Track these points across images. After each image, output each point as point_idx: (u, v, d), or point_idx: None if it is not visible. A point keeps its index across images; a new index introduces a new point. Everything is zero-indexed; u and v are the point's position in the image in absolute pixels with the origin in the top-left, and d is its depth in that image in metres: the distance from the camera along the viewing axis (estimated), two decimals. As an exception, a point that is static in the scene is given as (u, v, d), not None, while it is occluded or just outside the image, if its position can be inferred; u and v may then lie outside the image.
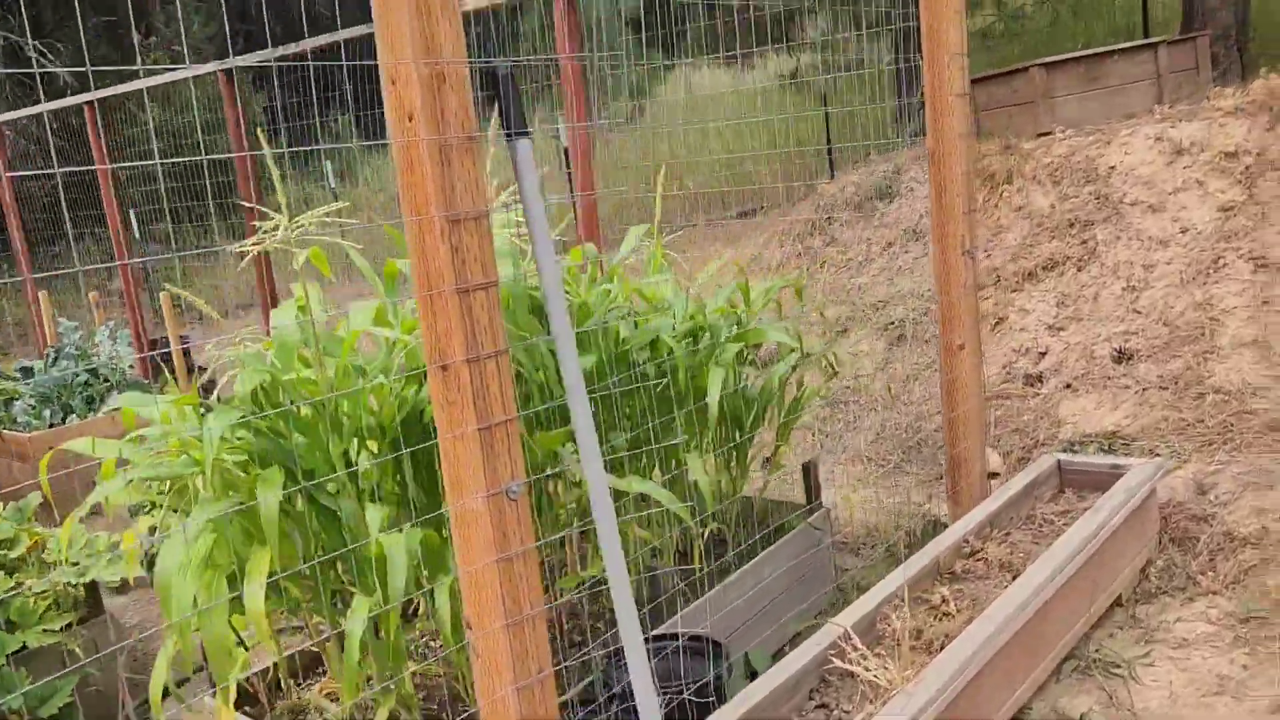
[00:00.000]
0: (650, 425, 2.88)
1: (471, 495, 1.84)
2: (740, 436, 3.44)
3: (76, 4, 15.73)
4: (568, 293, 2.88)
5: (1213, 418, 3.99)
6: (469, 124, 1.76)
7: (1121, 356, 4.49)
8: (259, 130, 2.78)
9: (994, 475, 4.41)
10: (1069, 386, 4.54)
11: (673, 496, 2.54)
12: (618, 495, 2.61)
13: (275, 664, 2.64)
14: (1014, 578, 2.92)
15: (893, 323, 5.39)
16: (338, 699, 2.57)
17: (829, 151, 8.78)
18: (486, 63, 1.79)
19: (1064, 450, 4.18)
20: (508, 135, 1.82)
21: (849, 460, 4.83)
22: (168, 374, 3.11)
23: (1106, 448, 4.14)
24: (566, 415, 2.08)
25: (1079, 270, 4.90)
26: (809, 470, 3.64)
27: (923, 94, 3.50)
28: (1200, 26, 7.55)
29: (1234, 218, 4.61)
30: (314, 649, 2.80)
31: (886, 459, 4.75)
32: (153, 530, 2.95)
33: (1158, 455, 3.94)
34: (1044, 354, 4.76)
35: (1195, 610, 3.08)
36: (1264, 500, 3.42)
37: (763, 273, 6.42)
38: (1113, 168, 5.10)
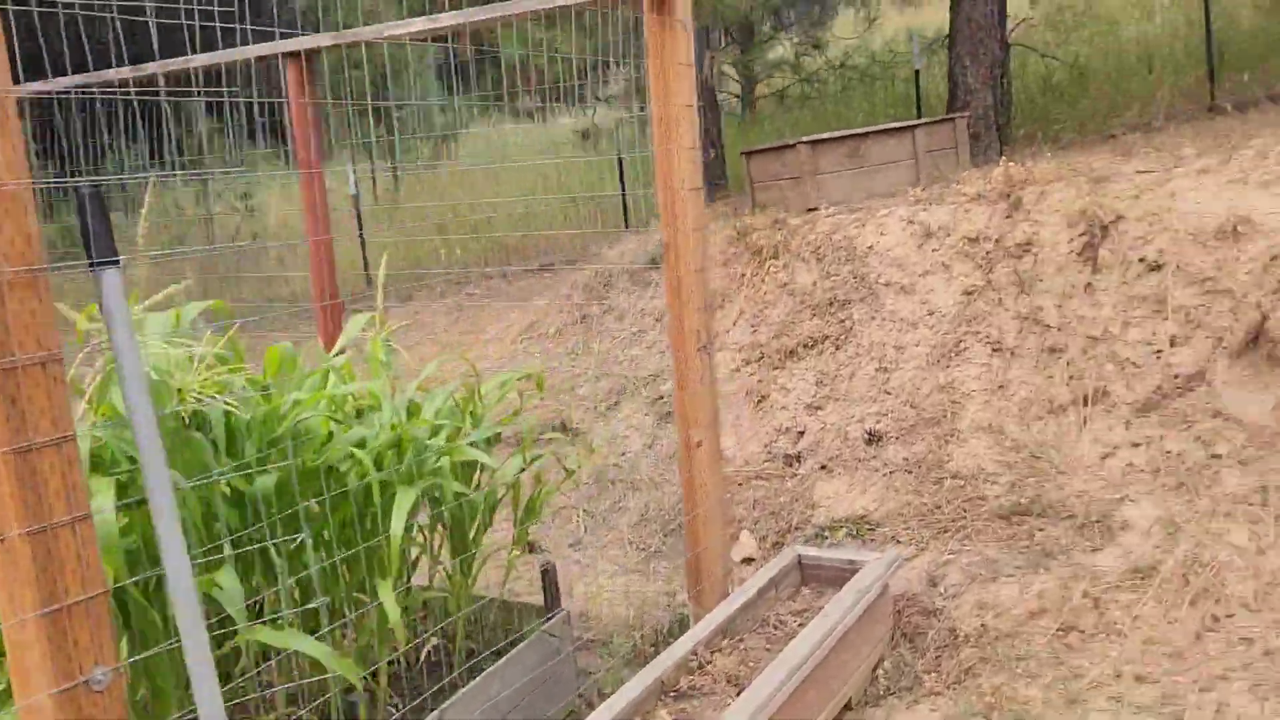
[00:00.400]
0: (338, 554, 2.63)
1: (40, 692, 1.55)
2: (468, 545, 3.23)
3: None
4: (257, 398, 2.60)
5: (949, 503, 4.08)
6: (30, 254, 1.50)
7: (873, 438, 4.56)
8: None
9: (749, 560, 4.37)
10: (824, 468, 4.57)
11: (331, 652, 2.28)
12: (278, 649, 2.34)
13: None
14: (739, 692, 2.82)
15: (661, 397, 5.33)
16: None
17: (624, 211, 8.79)
18: (60, 183, 1.53)
19: (812, 538, 4.18)
20: (90, 265, 1.57)
21: (612, 543, 4.70)
22: None
23: (855, 533, 4.16)
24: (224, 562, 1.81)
25: (837, 349, 4.98)
26: (547, 574, 3.46)
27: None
28: (962, 106, 7.98)
29: (974, 302, 4.78)
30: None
31: (648, 543, 4.64)
32: None
33: (899, 542, 3.98)
34: (802, 433, 4.79)
35: (919, 714, 3.06)
36: (986, 594, 3.48)
37: (540, 340, 6.27)
38: (870, 248, 5.23)
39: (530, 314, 6.60)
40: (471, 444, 3.06)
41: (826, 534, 4.21)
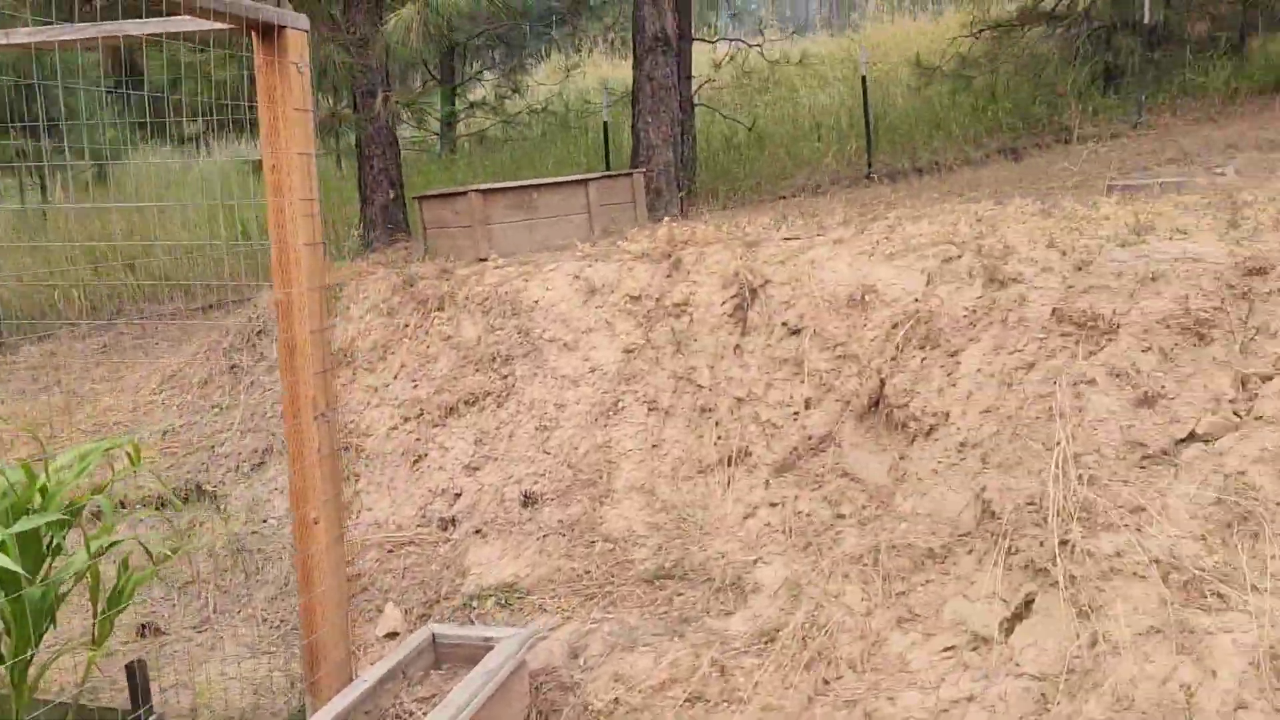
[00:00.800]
0: None
1: None
2: (28, 643, 2.75)
3: None
4: None
5: (599, 568, 4.02)
6: None
7: (529, 500, 4.44)
8: None
9: (393, 635, 4.09)
10: (479, 532, 4.39)
11: None
12: None
13: None
14: (341, 803, 2.56)
15: (313, 457, 4.94)
16: None
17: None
18: None
19: (459, 609, 3.98)
20: None
21: (246, 621, 4.26)
22: None
23: (503, 602, 4.00)
24: None
25: (499, 406, 4.83)
26: (133, 672, 3.02)
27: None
28: (644, 161, 8.20)
29: (634, 360, 4.81)
30: None
31: (287, 618, 4.25)
32: None
33: (546, 611, 3.87)
34: (459, 495, 4.59)
35: (544, 802, 2.93)
36: (623, 664, 3.43)
37: (184, 390, 5.67)
38: (536, 302, 5.15)
39: (176, 361, 5.98)
40: (28, 531, 2.60)
41: (475, 604, 4.02)
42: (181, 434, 5.27)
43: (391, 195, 7.41)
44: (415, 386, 5.05)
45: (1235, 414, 3.11)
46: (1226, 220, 4.17)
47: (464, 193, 5.74)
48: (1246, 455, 2.95)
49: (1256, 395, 3.12)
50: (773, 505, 4.11)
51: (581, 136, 11.95)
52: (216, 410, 5.36)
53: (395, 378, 5.14)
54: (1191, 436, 3.12)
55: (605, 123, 9.26)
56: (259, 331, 5.70)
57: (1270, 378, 3.14)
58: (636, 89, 8.34)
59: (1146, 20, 10.30)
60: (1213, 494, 2.88)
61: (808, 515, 3.98)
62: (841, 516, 3.92)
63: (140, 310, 8.86)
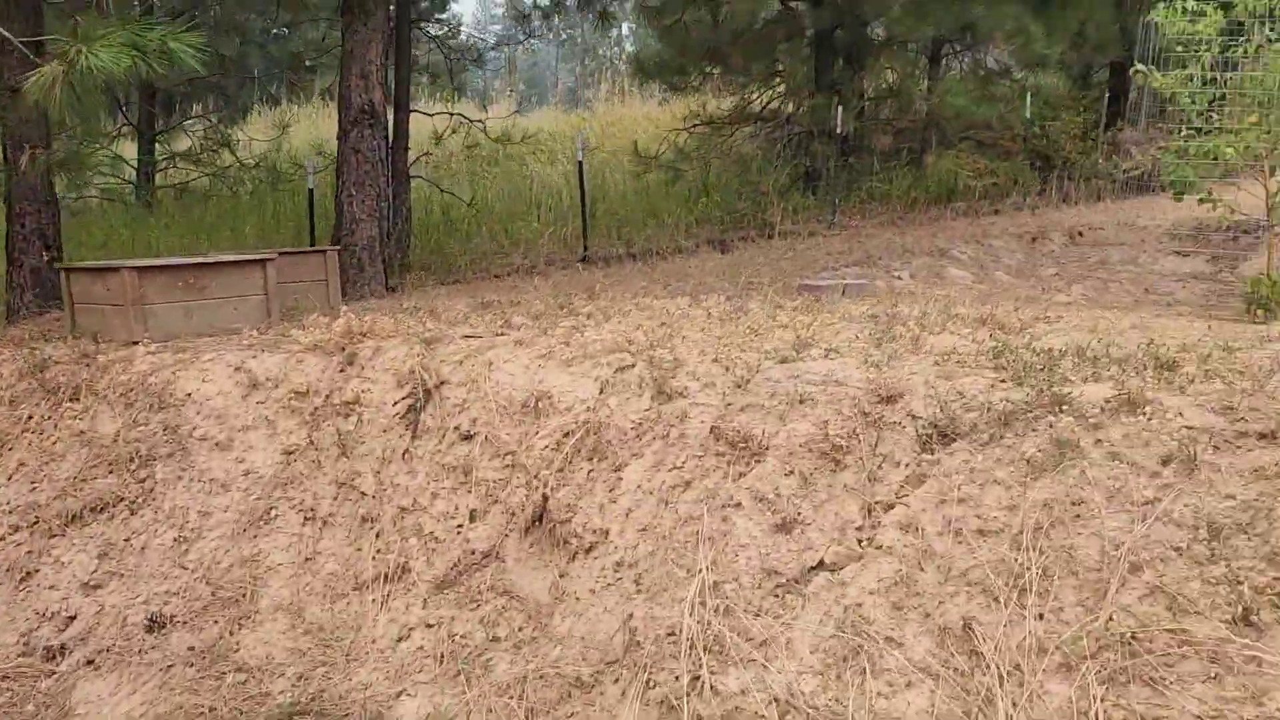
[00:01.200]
0: None
1: None
2: None
3: None
4: None
5: (228, 703, 3.61)
6: None
7: (156, 624, 3.95)
8: None
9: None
10: (91, 663, 3.85)
11: None
12: None
13: None
14: None
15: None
16: None
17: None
18: None
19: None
20: None
21: None
22: None
23: (109, 750, 3.50)
24: None
25: (132, 514, 4.31)
26: None
27: None
28: (347, 234, 7.85)
29: (294, 463, 4.46)
30: None
31: None
32: None
33: (156, 761, 3.41)
34: (73, 619, 4.02)
35: None
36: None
37: None
38: (189, 395, 4.68)
39: None
40: None
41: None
42: None
43: (45, 259, 6.62)
44: (33, 490, 4.42)
45: (859, 543, 3.22)
46: (876, 340, 4.42)
47: (117, 268, 5.18)
48: (865, 586, 3.04)
49: (879, 524, 3.25)
50: (429, 626, 3.88)
51: (289, 199, 11.37)
52: None
53: (10, 479, 4.48)
54: (820, 565, 3.20)
55: (311, 189, 8.82)
56: None
57: (892, 506, 3.29)
58: (341, 161, 8.00)
59: (839, 130, 11.18)
60: (832, 627, 2.95)
61: (463, 638, 3.77)
62: (497, 640, 3.74)
63: None
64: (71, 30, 4.71)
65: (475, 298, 6.98)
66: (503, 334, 4.96)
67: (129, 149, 13.06)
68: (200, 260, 5.43)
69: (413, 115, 9.93)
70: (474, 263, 9.56)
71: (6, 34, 5.01)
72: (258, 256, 5.66)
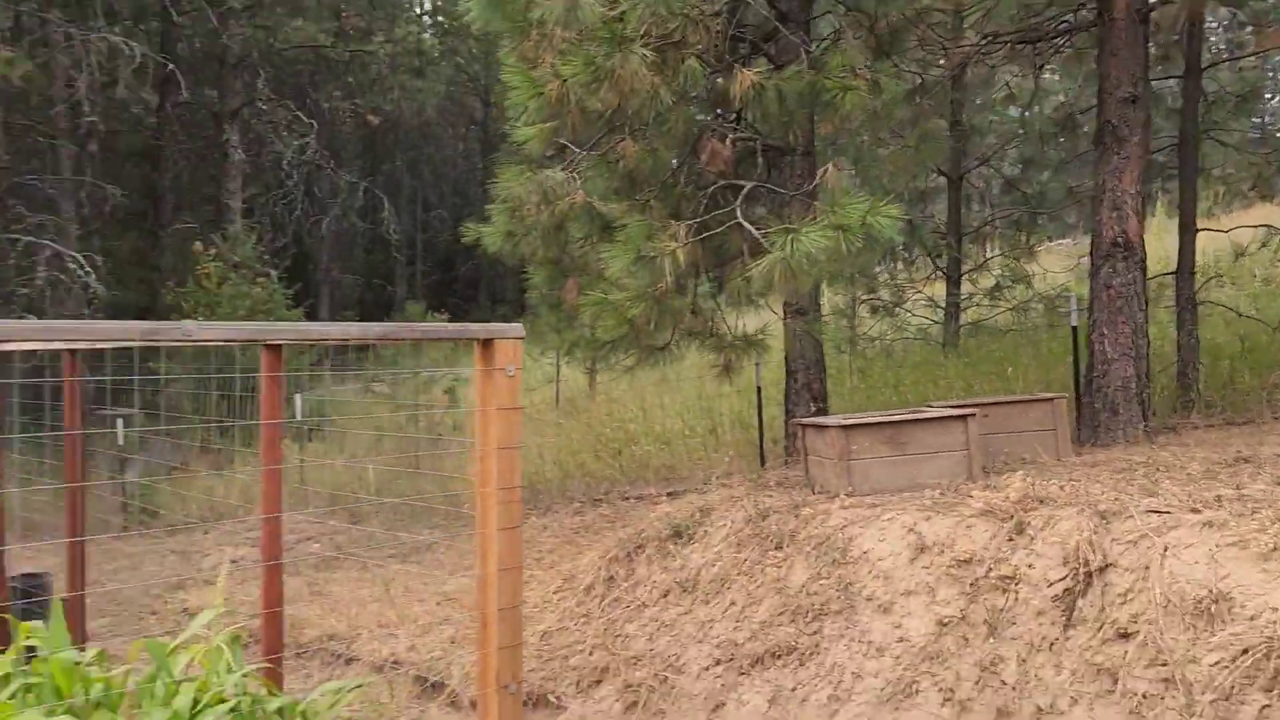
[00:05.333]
0: None
1: None
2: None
3: None
4: None
5: None
6: None
7: (798, 778, 4.18)
8: None
9: None
10: (746, 801, 4.23)
11: None
12: None
13: None
14: None
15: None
16: None
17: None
18: None
19: None
20: None
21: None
22: None
23: None
24: None
25: (800, 665, 4.66)
26: None
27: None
28: (1100, 376, 7.33)
29: (945, 635, 4.34)
30: None
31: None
32: None
33: None
34: (742, 755, 4.48)
35: None
36: None
37: (573, 592, 6.31)
38: (865, 552, 4.91)
39: (579, 563, 6.67)
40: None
41: None
42: (554, 638, 5.86)
43: (813, 409, 7.58)
44: (735, 628, 5.07)
45: None
46: None
47: (829, 426, 5.72)
48: None
49: None
50: None
51: (1049, 341, 11.02)
52: (584, 619, 5.88)
53: (723, 615, 5.22)
54: None
55: (1074, 328, 8.47)
56: (638, 546, 6.16)
57: None
58: (1093, 298, 7.56)
59: None
60: None
61: None
62: None
63: (622, 494, 9.98)
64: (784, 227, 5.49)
65: (1230, 450, 5.91)
66: (1193, 513, 4.15)
67: (939, 288, 14.14)
68: (901, 417, 5.68)
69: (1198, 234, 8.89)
70: (1272, 400, 8.03)
71: (748, 225, 6.03)
72: (958, 413, 5.70)
